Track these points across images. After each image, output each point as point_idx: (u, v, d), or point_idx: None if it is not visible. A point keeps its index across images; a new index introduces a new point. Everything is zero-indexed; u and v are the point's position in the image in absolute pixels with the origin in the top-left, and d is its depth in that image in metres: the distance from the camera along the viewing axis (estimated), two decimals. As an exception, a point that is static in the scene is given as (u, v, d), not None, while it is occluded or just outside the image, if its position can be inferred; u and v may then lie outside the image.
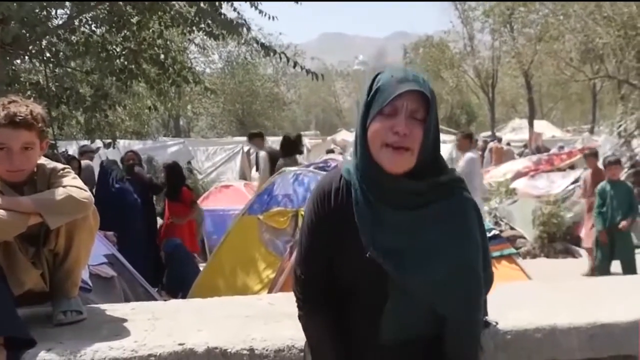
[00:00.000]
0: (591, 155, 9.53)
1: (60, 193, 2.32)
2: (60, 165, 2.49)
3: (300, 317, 1.93)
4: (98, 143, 8.50)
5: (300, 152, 6.67)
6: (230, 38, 7.59)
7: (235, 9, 7.39)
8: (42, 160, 2.48)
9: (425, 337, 1.80)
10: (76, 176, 2.49)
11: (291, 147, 7.48)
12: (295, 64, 7.01)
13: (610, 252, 7.54)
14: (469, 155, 8.96)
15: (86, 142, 9.94)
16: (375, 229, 1.75)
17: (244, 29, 6.83)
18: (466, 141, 9.48)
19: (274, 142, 21.79)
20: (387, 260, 1.74)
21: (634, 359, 2.25)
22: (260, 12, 7.32)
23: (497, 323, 2.17)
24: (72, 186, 2.37)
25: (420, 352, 1.81)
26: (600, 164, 9.12)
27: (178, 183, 8.37)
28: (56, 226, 2.32)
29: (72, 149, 11.90)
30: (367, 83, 1.79)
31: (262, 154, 8.76)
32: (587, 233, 8.58)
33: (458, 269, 1.74)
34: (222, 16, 6.67)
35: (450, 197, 1.78)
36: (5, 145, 2.29)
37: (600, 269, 7.57)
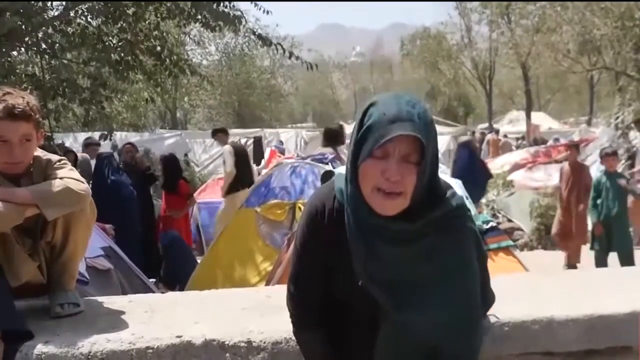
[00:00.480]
0: (573, 147, 9.24)
1: (57, 185, 2.31)
2: (56, 157, 2.48)
3: (295, 334, 1.94)
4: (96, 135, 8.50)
5: (343, 143, 6.60)
6: (227, 29, 7.57)
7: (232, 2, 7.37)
8: (38, 152, 2.46)
9: None
10: (73, 168, 2.48)
11: (334, 138, 7.44)
12: (291, 54, 7.00)
13: (608, 244, 7.55)
14: None
15: (90, 134, 9.89)
16: (369, 259, 1.69)
17: (241, 20, 6.81)
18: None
19: (271, 134, 21.84)
20: (381, 291, 1.70)
21: (632, 350, 2.25)
22: (256, 4, 7.30)
23: (498, 318, 2.16)
24: (70, 178, 2.36)
25: None
26: (596, 157, 9.11)
27: (175, 175, 8.37)
28: (53, 218, 2.31)
29: (69, 141, 11.87)
30: (358, 117, 1.67)
31: (227, 148, 8.72)
32: (565, 230, 8.49)
33: (455, 301, 1.69)
34: (219, 7, 6.65)
35: (446, 229, 1.69)
36: (4, 137, 2.28)
37: (597, 260, 7.59)
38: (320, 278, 1.80)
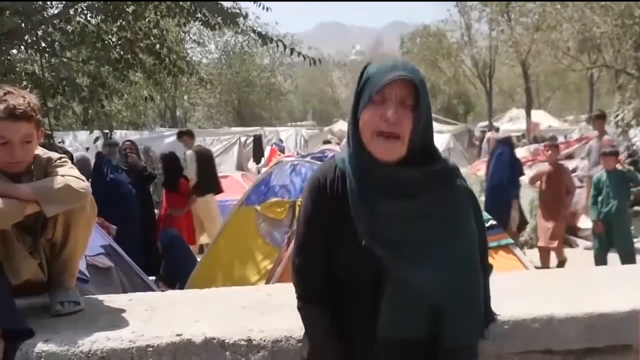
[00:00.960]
0: (553, 147, 8.90)
1: (58, 182, 2.31)
2: (56, 155, 2.49)
3: (299, 309, 1.93)
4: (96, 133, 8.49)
5: None
6: (227, 27, 7.56)
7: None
8: (39, 150, 2.47)
9: (423, 334, 1.78)
10: (73, 166, 2.48)
11: None
12: (292, 50, 6.99)
13: (608, 242, 7.55)
14: None
15: (96, 133, 9.74)
16: (371, 219, 1.75)
17: (240, 17, 6.80)
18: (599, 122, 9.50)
19: (271, 132, 21.84)
20: (384, 250, 1.74)
21: (632, 348, 2.25)
22: (255, 1, 7.29)
23: (498, 315, 2.16)
24: (71, 176, 2.36)
25: (418, 349, 1.78)
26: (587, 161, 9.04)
27: (176, 174, 8.36)
28: (52, 214, 2.31)
29: (69, 139, 11.86)
30: (358, 76, 1.79)
31: (189, 153, 8.67)
32: (544, 230, 8.31)
33: (456, 260, 1.74)
34: (218, 4, 6.64)
35: (445, 186, 1.78)
36: (5, 138, 2.28)
37: (597, 258, 7.59)
38: (323, 249, 1.83)
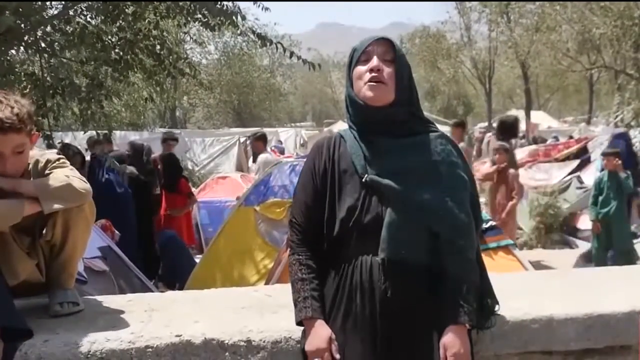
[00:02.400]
0: (503, 150, 8.45)
1: (60, 180, 2.31)
2: (54, 157, 2.47)
3: (289, 257, 2.08)
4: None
5: (516, 135, 6.51)
6: (226, 28, 7.55)
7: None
8: (36, 152, 2.46)
9: (422, 258, 1.93)
10: (73, 168, 2.47)
11: (508, 131, 7.35)
12: (292, 53, 6.98)
13: (607, 242, 7.55)
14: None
15: (169, 130, 9.56)
16: (370, 155, 2.02)
17: (239, 18, 6.78)
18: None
19: (270, 133, 21.82)
20: (384, 178, 1.96)
21: (631, 349, 2.25)
22: (255, 2, 7.29)
23: (498, 307, 2.16)
24: (74, 176, 2.36)
25: (419, 274, 1.93)
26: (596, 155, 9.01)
27: (175, 174, 8.35)
28: (50, 211, 2.29)
29: (68, 139, 11.82)
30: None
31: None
32: (512, 231, 8.06)
33: (448, 190, 1.97)
34: (217, 4, 6.63)
35: (434, 136, 2.07)
36: None
37: (596, 258, 7.59)
38: (319, 205, 2.04)
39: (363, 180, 1.98)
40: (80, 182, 2.35)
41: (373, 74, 2.01)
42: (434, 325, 1.91)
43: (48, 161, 2.43)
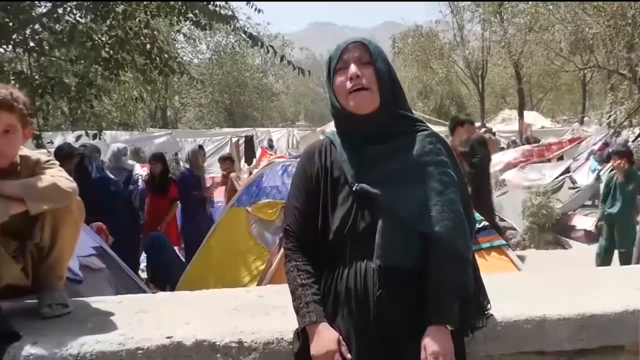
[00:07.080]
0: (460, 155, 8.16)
1: (45, 180, 2.29)
2: (44, 157, 2.45)
3: (285, 265, 2.05)
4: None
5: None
6: (218, 28, 7.54)
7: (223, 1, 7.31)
8: (26, 151, 2.43)
9: (415, 262, 1.91)
10: (61, 168, 2.44)
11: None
12: (282, 58, 6.96)
13: (611, 243, 7.50)
14: None
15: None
16: (359, 163, 1.99)
17: (231, 19, 6.76)
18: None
19: (262, 132, 21.78)
20: (375, 187, 1.93)
21: (623, 349, 2.25)
22: (247, 2, 7.26)
23: (489, 307, 2.15)
24: (60, 176, 2.33)
25: (412, 278, 1.91)
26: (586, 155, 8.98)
27: (165, 176, 8.17)
28: (36, 212, 2.26)
29: (57, 139, 11.74)
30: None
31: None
32: None
33: (437, 191, 1.95)
34: (210, 5, 6.61)
35: (421, 135, 2.03)
36: None
37: (601, 258, 7.53)
38: (312, 212, 2.03)
39: (353, 189, 1.96)
40: (66, 182, 2.33)
41: (354, 82, 1.97)
42: (423, 329, 1.89)
43: (38, 161, 2.41)
